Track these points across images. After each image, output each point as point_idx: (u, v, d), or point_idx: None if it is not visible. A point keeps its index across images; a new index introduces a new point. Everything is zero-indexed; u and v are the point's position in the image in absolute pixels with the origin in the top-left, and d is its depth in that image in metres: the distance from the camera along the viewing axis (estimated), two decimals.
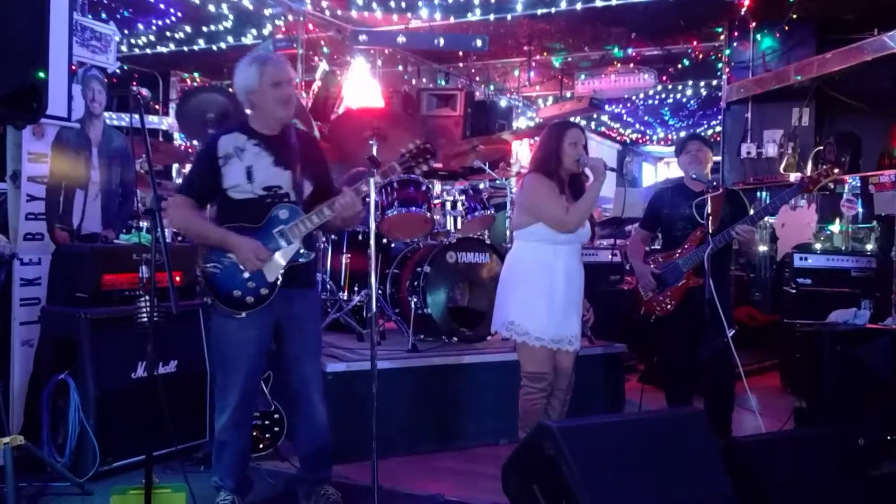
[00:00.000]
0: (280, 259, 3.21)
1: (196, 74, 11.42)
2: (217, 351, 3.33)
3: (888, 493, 3.62)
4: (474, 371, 4.66)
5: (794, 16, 7.88)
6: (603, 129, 15.13)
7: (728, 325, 4.02)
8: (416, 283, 4.99)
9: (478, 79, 11.55)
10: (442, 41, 8.31)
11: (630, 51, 9.88)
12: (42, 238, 4.29)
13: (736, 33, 8.80)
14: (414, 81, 10.66)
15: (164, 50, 9.87)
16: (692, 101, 12.42)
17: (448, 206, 5.38)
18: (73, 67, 4.34)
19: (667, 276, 4.35)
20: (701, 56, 9.91)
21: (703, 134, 10.21)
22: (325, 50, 9.65)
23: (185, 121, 5.32)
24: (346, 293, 5.30)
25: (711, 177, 4.53)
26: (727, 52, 8.89)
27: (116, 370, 3.84)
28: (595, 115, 13.39)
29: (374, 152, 3.50)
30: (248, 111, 3.32)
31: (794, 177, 7.96)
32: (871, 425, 4.08)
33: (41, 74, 2.55)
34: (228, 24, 9.04)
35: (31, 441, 3.51)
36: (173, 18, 8.80)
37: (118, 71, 4.96)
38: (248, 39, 9.50)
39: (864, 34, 7.13)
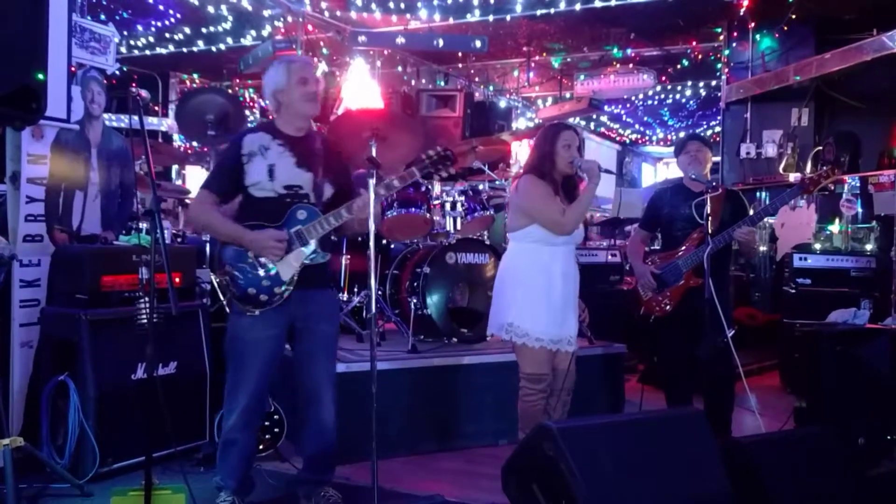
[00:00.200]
0: (295, 259, 3.24)
1: (195, 76, 11.43)
2: (230, 349, 3.35)
3: (888, 492, 3.62)
4: (474, 372, 4.66)
5: (794, 16, 7.89)
6: (602, 129, 15.13)
7: (728, 325, 4.02)
8: (415, 283, 5.00)
9: (477, 79, 11.56)
10: (441, 42, 8.32)
11: (629, 51, 9.88)
12: (41, 239, 4.30)
13: (735, 34, 8.80)
14: (413, 82, 10.66)
15: (164, 51, 9.87)
16: (691, 102, 12.43)
17: (447, 206, 5.39)
18: (73, 69, 4.34)
19: (666, 276, 4.35)
20: (700, 56, 9.91)
21: (702, 134, 10.18)
22: (324, 51, 9.66)
23: (184, 122, 5.33)
24: (345, 294, 5.31)
25: (711, 177, 4.53)
26: (726, 52, 8.90)
27: (116, 371, 3.84)
28: (594, 116, 13.40)
29: (374, 153, 3.50)
30: (274, 114, 3.40)
31: (793, 177, 7.96)
32: (871, 425, 4.08)
33: (40, 76, 2.55)
34: (228, 25, 9.04)
35: (31, 442, 3.51)
36: (172, 20, 8.80)
37: (117, 72, 4.96)
38: (247, 41, 9.50)
39: (863, 34, 7.13)
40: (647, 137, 16.30)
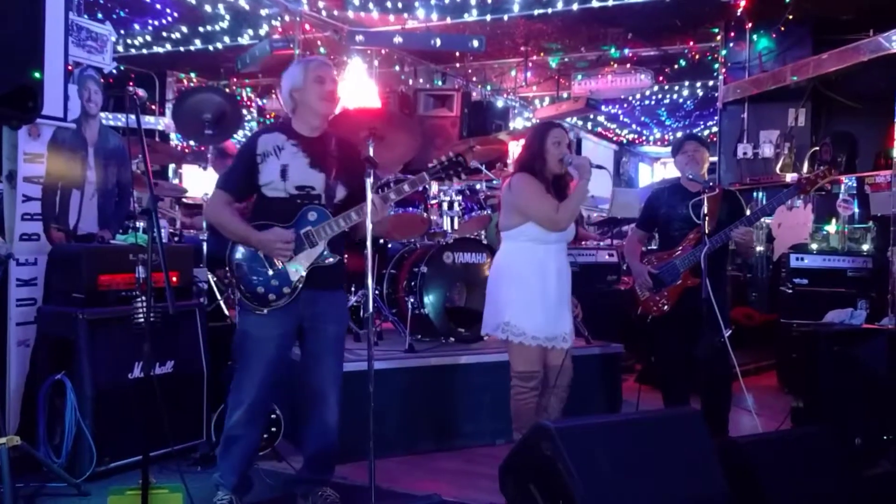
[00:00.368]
0: (304, 259, 3.26)
1: (192, 75, 11.41)
2: (238, 346, 3.39)
3: (885, 492, 3.63)
4: (471, 371, 4.66)
5: (791, 16, 7.88)
6: (599, 129, 15.13)
7: (725, 325, 4.02)
8: (412, 283, 5.00)
9: (474, 79, 11.55)
10: (438, 41, 8.31)
11: (626, 51, 9.88)
12: (38, 238, 4.29)
13: (732, 34, 8.80)
14: (411, 82, 10.66)
15: (161, 50, 9.86)
16: (689, 102, 12.43)
17: (445, 206, 5.38)
18: (69, 67, 4.33)
19: (664, 276, 4.35)
20: (697, 56, 9.91)
21: (699, 134, 10.21)
22: (321, 50, 9.64)
23: (181, 121, 5.32)
24: None
25: (708, 177, 4.54)
26: (723, 52, 8.90)
27: (113, 370, 3.84)
28: (591, 116, 13.40)
29: (371, 153, 3.51)
30: (291, 114, 3.41)
31: (790, 177, 7.97)
32: (868, 425, 4.09)
33: (36, 74, 2.54)
34: (225, 24, 9.02)
35: (28, 441, 3.50)
36: (170, 19, 8.78)
37: (114, 71, 4.95)
38: (244, 40, 9.48)
39: (860, 35, 7.14)
40: (644, 137, 16.31)
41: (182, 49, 9.80)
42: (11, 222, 4.19)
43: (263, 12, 8.56)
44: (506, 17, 8.46)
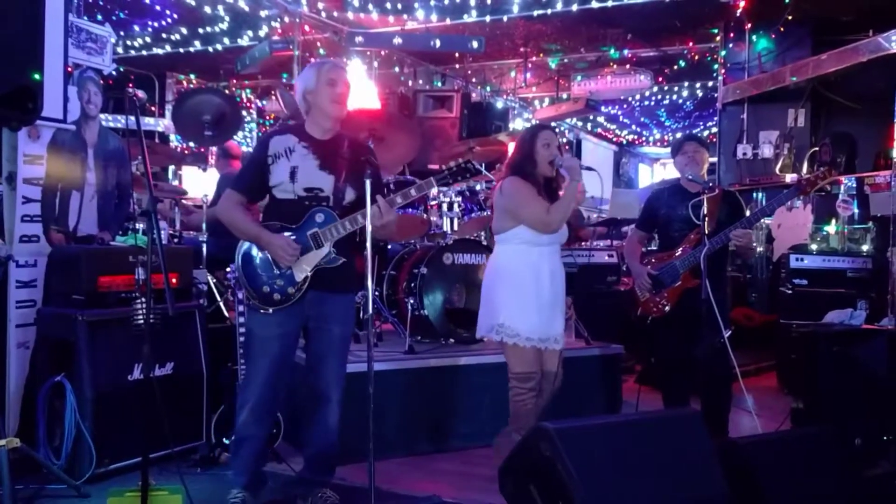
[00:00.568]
0: (309, 261, 3.28)
1: (192, 76, 11.41)
2: (245, 345, 3.45)
3: (884, 493, 3.62)
4: (471, 372, 4.66)
5: (790, 17, 7.88)
6: (599, 130, 15.14)
7: (725, 325, 4.02)
8: (412, 284, 4.99)
9: (474, 80, 11.56)
10: (438, 43, 8.31)
11: (626, 52, 9.88)
12: (38, 240, 4.29)
13: (732, 34, 8.80)
14: (410, 83, 10.67)
15: (160, 52, 9.86)
16: (688, 103, 12.44)
17: (444, 207, 5.37)
18: (69, 69, 4.33)
19: (664, 276, 4.35)
20: (697, 57, 9.92)
21: (699, 135, 10.19)
22: (321, 52, 9.64)
23: (181, 122, 5.33)
24: None
25: (707, 178, 4.54)
26: (723, 53, 8.91)
27: (113, 372, 3.84)
28: (591, 117, 13.41)
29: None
30: (305, 116, 3.45)
31: (789, 178, 7.97)
32: (868, 426, 4.08)
33: (36, 76, 2.55)
34: (224, 25, 9.03)
35: (28, 443, 3.51)
36: (169, 20, 8.78)
37: (114, 73, 4.94)
38: (244, 41, 9.49)
39: (859, 35, 7.14)
40: (643, 138, 16.31)
41: (182, 50, 9.80)
42: (11, 224, 4.19)
43: (263, 14, 8.56)
44: (505, 18, 8.47)
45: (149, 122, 9.70)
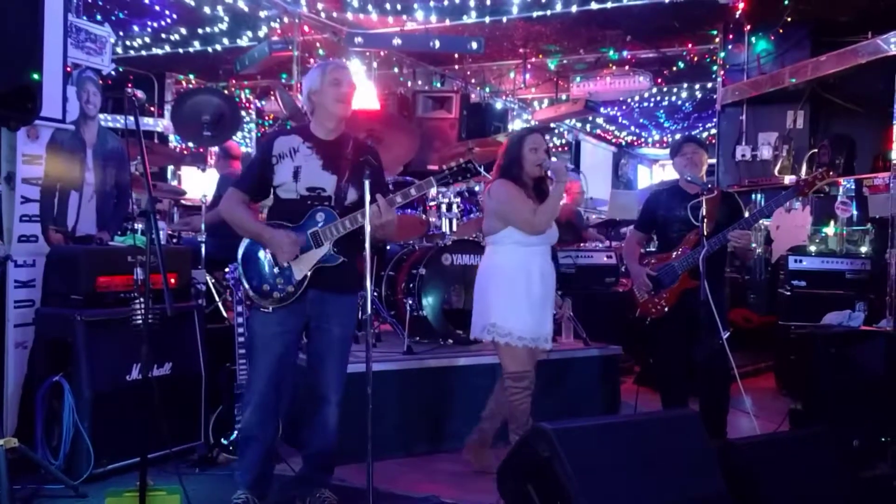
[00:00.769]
0: (308, 259, 3.30)
1: (191, 76, 11.41)
2: (248, 344, 3.48)
3: (882, 494, 3.63)
4: (469, 373, 4.66)
5: (789, 18, 7.89)
6: (598, 131, 15.14)
7: (723, 326, 4.02)
8: (411, 285, 4.99)
9: (473, 81, 11.56)
10: (437, 43, 8.32)
11: (625, 53, 9.88)
12: (36, 240, 4.28)
13: (731, 36, 8.81)
14: (409, 83, 10.67)
15: (160, 52, 9.86)
16: (687, 104, 12.44)
17: (443, 208, 5.38)
18: (68, 69, 4.33)
19: (662, 277, 4.35)
20: (696, 59, 9.92)
21: (698, 136, 10.22)
22: (320, 52, 9.65)
23: (180, 123, 5.33)
24: None
25: (706, 179, 4.54)
26: (722, 54, 8.91)
27: (111, 372, 3.83)
28: (590, 118, 13.41)
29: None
30: (310, 116, 3.47)
31: (788, 179, 7.97)
32: (866, 427, 4.09)
33: (35, 76, 2.55)
34: (224, 26, 9.03)
35: (26, 443, 3.50)
36: (169, 20, 8.78)
37: (113, 73, 4.95)
38: (243, 41, 9.49)
39: (858, 37, 7.15)
40: (642, 139, 16.32)
41: (181, 51, 9.80)
42: (10, 224, 4.18)
43: (262, 14, 8.56)
44: (504, 19, 8.47)
45: (148, 123, 9.70)
